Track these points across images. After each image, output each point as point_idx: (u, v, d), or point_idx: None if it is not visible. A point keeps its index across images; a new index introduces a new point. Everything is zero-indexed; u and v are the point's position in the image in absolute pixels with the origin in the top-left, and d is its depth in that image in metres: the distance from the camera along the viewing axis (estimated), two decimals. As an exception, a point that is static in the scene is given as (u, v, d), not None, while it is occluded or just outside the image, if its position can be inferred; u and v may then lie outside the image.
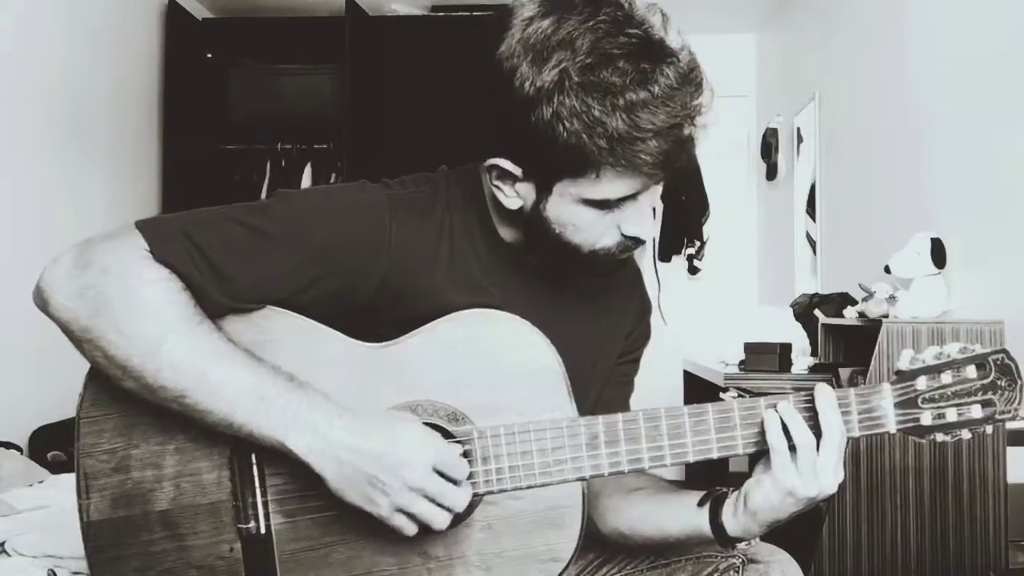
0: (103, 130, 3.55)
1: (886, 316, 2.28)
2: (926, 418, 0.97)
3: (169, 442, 0.98)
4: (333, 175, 4.12)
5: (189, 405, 0.93)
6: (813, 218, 3.83)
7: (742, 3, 4.56)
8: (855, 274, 2.85)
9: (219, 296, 0.97)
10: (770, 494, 0.96)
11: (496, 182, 1.01)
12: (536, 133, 0.92)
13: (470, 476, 0.98)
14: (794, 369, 2.82)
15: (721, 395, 3.11)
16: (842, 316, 2.67)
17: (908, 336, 2.07)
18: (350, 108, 4.01)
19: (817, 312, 2.92)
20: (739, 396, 2.91)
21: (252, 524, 0.98)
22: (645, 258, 5.02)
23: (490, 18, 0.96)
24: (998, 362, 0.97)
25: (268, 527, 0.99)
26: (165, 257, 0.94)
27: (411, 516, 0.93)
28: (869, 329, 2.23)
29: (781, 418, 0.96)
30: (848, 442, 0.97)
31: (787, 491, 0.95)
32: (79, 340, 0.94)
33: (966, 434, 0.97)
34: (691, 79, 0.92)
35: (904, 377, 0.98)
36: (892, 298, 2.35)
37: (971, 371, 0.97)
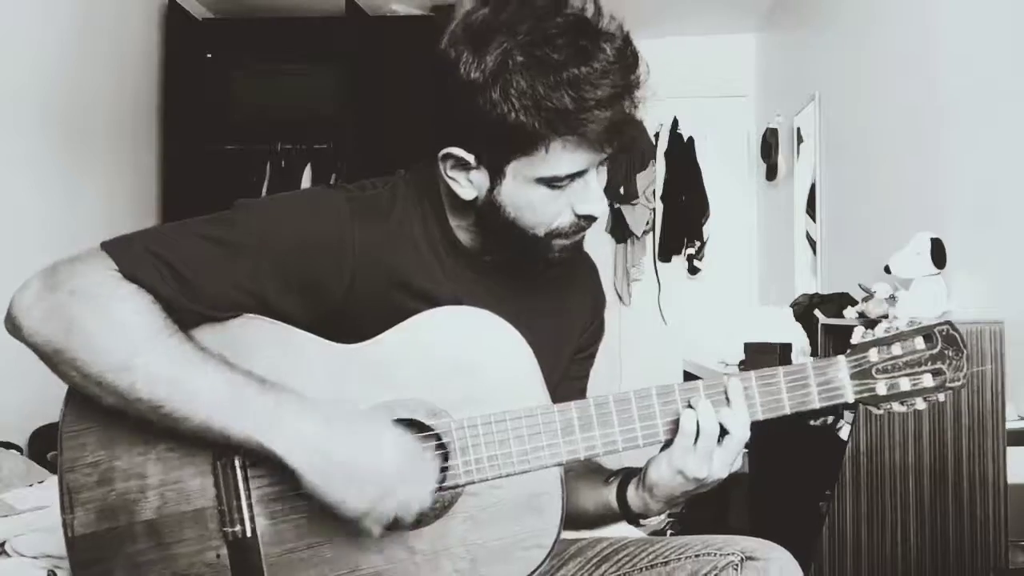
0: (103, 130, 3.55)
1: (886, 316, 2.28)
2: (881, 388, 1.03)
3: (151, 452, 0.98)
4: (333, 175, 4.12)
5: (167, 415, 0.93)
6: (813, 218, 3.83)
7: (742, 3, 4.56)
8: (855, 274, 2.85)
9: (190, 306, 0.98)
10: (663, 471, 1.04)
11: (450, 173, 1.04)
12: (485, 116, 0.95)
13: (449, 468, 1.00)
14: (794, 369, 2.81)
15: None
16: (842, 316, 2.67)
17: (908, 336, 2.06)
18: (350, 108, 4.02)
19: (817, 312, 2.92)
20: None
21: (238, 527, 0.99)
22: (645, 258, 5.03)
23: (435, 22, 1.00)
24: (943, 333, 1.02)
25: (254, 530, 0.99)
26: (132, 273, 0.96)
27: (381, 516, 0.94)
28: (869, 329, 2.22)
29: (695, 408, 1.02)
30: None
31: (678, 469, 1.02)
32: (54, 363, 0.95)
33: (920, 403, 1.03)
34: (627, 54, 0.96)
35: (857, 349, 1.04)
36: (892, 298, 2.35)
37: (919, 342, 1.02)
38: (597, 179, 1.03)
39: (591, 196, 1.03)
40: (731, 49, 4.99)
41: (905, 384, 1.02)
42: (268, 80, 4.13)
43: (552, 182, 1.00)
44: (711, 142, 5.02)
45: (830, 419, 2.52)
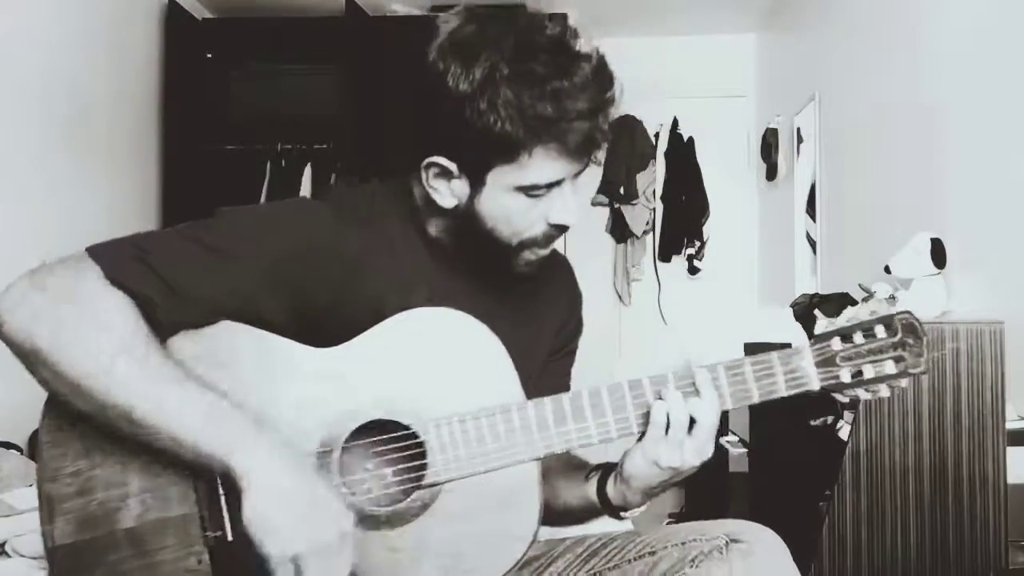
0: (103, 130, 3.55)
1: (886, 316, 2.28)
2: (845, 375, 1.06)
3: (132, 460, 0.98)
4: (333, 175, 4.12)
5: (137, 422, 0.94)
6: (813, 218, 3.83)
7: (742, 3, 4.56)
8: (855, 274, 2.85)
9: (173, 313, 0.99)
10: (638, 462, 1.07)
11: (432, 182, 1.08)
12: (471, 125, 1.00)
13: (428, 466, 1.02)
14: (794, 369, 2.81)
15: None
16: (842, 316, 2.67)
17: (908, 336, 2.06)
18: (350, 108, 4.01)
19: (817, 312, 2.92)
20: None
21: (219, 532, 0.99)
22: (645, 258, 5.03)
23: (418, 30, 1.07)
24: (903, 322, 1.06)
25: (235, 532, 0.99)
26: (118, 277, 0.96)
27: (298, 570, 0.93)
28: (869, 329, 2.22)
29: (665, 399, 1.05)
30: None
31: (652, 460, 1.06)
32: (31, 363, 0.96)
33: (884, 390, 1.06)
34: (603, 74, 1.03)
35: (820, 339, 1.07)
36: (892, 298, 2.35)
37: (880, 331, 1.06)
38: (572, 191, 1.07)
39: (566, 206, 1.07)
40: (731, 49, 4.98)
41: (869, 371, 1.05)
42: (268, 80, 4.13)
43: (531, 190, 1.04)
44: (711, 142, 5.02)
45: (830, 419, 2.53)
